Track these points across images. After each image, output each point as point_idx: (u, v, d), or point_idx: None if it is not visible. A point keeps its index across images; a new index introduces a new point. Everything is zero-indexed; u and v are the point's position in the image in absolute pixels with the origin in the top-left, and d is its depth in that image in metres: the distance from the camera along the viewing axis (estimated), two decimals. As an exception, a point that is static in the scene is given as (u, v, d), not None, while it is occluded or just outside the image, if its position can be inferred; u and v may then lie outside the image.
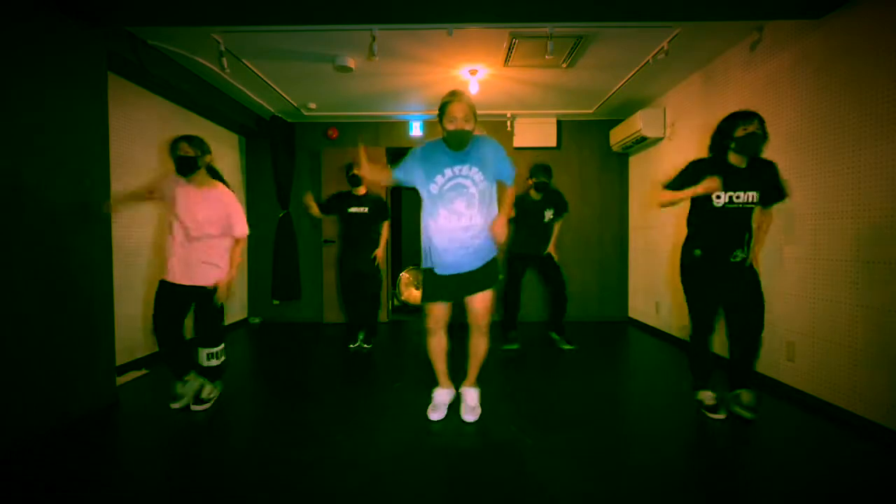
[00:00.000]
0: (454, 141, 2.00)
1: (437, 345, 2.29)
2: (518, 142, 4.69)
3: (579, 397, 2.57)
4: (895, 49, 1.96)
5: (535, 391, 2.32)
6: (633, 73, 3.47)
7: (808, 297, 2.43)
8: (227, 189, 2.35)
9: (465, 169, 2.05)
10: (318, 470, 1.77)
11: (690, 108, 3.58)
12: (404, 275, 4.37)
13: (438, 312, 2.23)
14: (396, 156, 5.08)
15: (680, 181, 2.16)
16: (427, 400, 2.39)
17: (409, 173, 2.13)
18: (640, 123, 3.96)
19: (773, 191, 2.10)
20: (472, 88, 3.59)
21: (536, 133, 4.68)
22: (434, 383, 2.37)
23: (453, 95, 2.00)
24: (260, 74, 3.48)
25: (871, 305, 2.07)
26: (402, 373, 3.07)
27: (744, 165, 2.09)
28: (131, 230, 3.11)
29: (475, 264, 2.14)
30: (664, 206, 2.21)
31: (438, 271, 2.16)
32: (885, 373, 2.01)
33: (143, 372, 3.09)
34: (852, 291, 2.17)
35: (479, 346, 2.25)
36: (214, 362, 2.26)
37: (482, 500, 1.57)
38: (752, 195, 2.08)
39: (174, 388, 2.40)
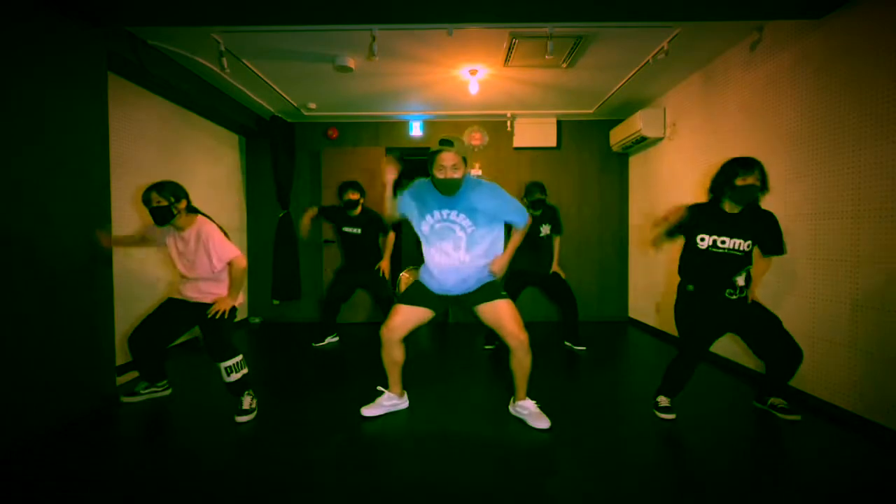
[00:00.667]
0: (442, 188, 2.01)
1: (389, 358, 2.23)
2: (518, 142, 4.69)
3: (579, 397, 2.57)
4: (895, 49, 1.96)
5: (535, 391, 2.32)
6: (633, 73, 3.47)
7: (808, 297, 2.43)
8: (204, 220, 2.33)
9: (452, 214, 2.05)
10: (318, 470, 1.77)
11: (690, 108, 3.58)
12: (404, 274, 4.36)
13: (400, 320, 2.16)
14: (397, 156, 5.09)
15: (676, 224, 2.15)
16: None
17: (405, 207, 2.16)
18: (640, 123, 3.96)
19: (769, 242, 2.11)
20: (472, 88, 3.59)
21: (536, 133, 4.67)
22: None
23: (444, 143, 1.98)
24: (260, 74, 3.48)
25: (871, 305, 2.07)
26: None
27: (736, 212, 2.10)
28: (130, 230, 3.10)
29: (469, 288, 2.15)
30: (655, 244, 2.24)
31: (430, 287, 2.18)
32: (885, 373, 2.01)
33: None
34: (852, 291, 2.17)
35: (520, 362, 2.13)
36: (235, 376, 2.24)
37: (481, 500, 1.57)
38: (739, 242, 2.08)
39: (137, 385, 2.53)
